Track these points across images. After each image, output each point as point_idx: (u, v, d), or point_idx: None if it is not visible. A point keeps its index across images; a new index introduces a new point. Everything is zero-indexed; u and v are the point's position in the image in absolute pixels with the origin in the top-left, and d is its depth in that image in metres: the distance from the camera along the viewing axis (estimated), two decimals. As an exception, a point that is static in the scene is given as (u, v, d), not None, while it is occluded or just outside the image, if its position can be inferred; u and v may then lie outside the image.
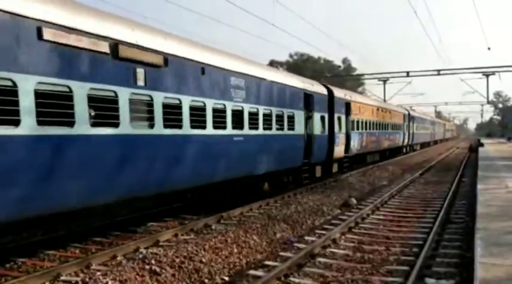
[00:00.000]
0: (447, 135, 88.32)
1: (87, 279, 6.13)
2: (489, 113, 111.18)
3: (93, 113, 7.08)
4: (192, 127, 9.36)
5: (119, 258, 7.52)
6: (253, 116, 11.92)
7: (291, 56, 73.79)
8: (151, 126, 8.29)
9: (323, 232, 9.77)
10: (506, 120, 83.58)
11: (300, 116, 14.97)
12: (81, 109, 6.76)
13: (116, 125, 7.43)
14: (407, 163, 29.05)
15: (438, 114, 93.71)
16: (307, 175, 16.15)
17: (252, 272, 7.09)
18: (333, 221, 10.91)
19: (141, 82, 7.97)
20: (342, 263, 7.56)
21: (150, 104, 8.25)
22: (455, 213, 11.61)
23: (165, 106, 8.56)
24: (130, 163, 7.75)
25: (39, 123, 6.10)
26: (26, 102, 5.93)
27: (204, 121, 9.79)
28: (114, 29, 7.55)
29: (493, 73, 38.34)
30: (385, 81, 42.88)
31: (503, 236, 7.05)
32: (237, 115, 11.10)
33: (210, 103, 9.98)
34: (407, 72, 39.40)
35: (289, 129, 14.18)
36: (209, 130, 9.94)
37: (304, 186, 15.95)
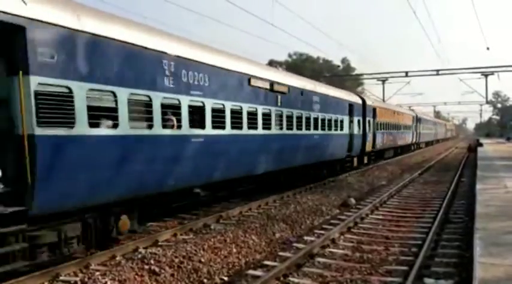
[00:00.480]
0: (447, 134, 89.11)
1: (86, 279, 6.14)
2: (488, 113, 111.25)
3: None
4: (314, 129, 16.19)
5: (118, 258, 7.51)
6: (324, 122, 17.27)
7: (290, 55, 73.79)
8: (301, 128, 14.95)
9: (322, 232, 9.77)
10: (505, 120, 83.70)
11: (346, 120, 20.17)
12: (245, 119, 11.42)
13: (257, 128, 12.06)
14: (406, 163, 29.07)
15: (437, 114, 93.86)
16: (348, 164, 21.64)
17: (251, 272, 7.08)
18: (332, 221, 10.92)
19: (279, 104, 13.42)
20: (341, 263, 7.56)
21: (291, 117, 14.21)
22: (454, 213, 11.63)
23: (298, 118, 14.69)
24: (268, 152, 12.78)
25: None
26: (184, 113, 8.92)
27: (315, 127, 16.35)
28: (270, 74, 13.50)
29: (492, 73, 38.37)
30: (384, 81, 42.91)
31: (502, 236, 7.06)
32: (319, 121, 16.78)
33: (314, 115, 16.30)
34: (406, 72, 39.43)
35: (340, 130, 19.33)
36: (316, 131, 16.43)
37: (347, 171, 21.36)
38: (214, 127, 9.97)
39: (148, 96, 7.98)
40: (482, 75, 39.16)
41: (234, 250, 8.10)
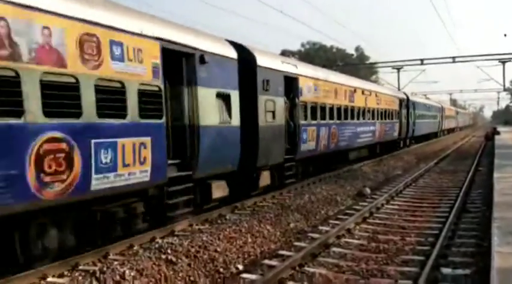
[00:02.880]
0: (466, 122, 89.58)
1: (104, 268, 6.23)
2: (505, 100, 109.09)
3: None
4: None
5: (135, 248, 7.62)
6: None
7: (303, 45, 73.32)
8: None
9: (337, 222, 9.75)
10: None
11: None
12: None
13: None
14: (422, 152, 28.80)
15: (453, 102, 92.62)
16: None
17: (266, 261, 7.12)
18: (347, 212, 10.90)
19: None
20: (356, 253, 7.56)
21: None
22: (472, 202, 11.51)
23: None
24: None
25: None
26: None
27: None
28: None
29: (510, 59, 37.61)
30: (399, 69, 42.40)
31: (521, 225, 6.97)
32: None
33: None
34: (422, 60, 38.86)
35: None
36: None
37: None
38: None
39: None
40: (499, 62, 38.43)
41: (249, 240, 8.15)
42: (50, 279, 6.15)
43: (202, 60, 9.21)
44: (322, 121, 15.56)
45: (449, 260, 6.97)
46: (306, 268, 6.74)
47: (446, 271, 6.50)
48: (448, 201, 11.89)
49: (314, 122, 14.84)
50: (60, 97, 6.15)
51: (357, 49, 72.83)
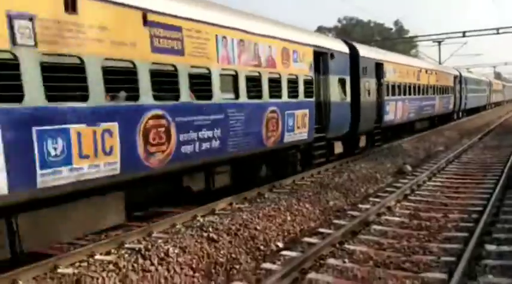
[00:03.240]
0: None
1: (149, 246, 6.44)
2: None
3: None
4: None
5: (178, 226, 7.83)
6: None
7: (339, 20, 71.83)
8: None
9: (377, 199, 9.67)
10: None
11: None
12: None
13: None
14: (465, 127, 27.92)
15: (497, 75, 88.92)
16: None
17: (306, 239, 7.18)
18: (388, 189, 10.77)
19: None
20: (397, 231, 7.49)
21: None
22: (517, 178, 11.13)
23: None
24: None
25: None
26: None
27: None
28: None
29: (558, 29, 35.63)
30: (439, 42, 40.98)
31: None
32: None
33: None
34: (464, 32, 37.40)
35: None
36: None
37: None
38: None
39: None
40: (546, 31, 36.46)
41: (289, 218, 8.20)
42: (97, 256, 6.42)
43: (332, 57, 12.86)
44: (398, 97, 19.06)
45: (494, 237, 6.81)
46: (346, 246, 6.75)
47: (491, 247, 6.36)
48: (492, 177, 11.54)
49: (393, 98, 18.35)
50: (275, 87, 10.23)
51: (396, 23, 70.89)
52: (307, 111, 11.56)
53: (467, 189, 10.47)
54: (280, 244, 7.07)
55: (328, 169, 13.43)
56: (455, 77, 31.06)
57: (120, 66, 6.59)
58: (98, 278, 5.44)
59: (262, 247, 6.87)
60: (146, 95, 6.89)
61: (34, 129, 5.37)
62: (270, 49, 10.02)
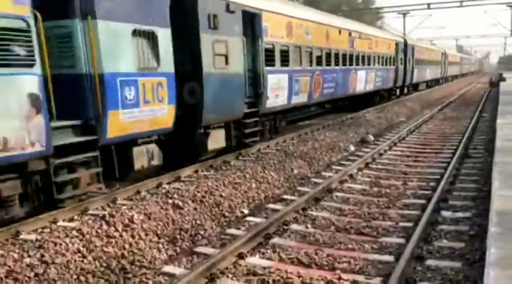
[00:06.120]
0: (471, 69, 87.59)
1: (114, 212, 6.39)
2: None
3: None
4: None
5: (142, 193, 7.79)
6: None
7: (307, -11, 70.96)
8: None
9: (340, 167, 9.89)
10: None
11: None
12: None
13: None
14: (426, 99, 28.62)
15: (460, 48, 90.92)
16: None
17: (270, 205, 7.30)
18: (350, 158, 11.02)
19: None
20: (359, 197, 7.72)
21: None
22: (474, 148, 11.59)
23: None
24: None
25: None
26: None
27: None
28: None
29: (519, 4, 36.62)
30: (405, 14, 41.39)
31: (522, 170, 7.03)
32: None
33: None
34: (428, 4, 37.86)
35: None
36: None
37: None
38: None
39: None
40: (507, 6, 37.47)
41: (254, 186, 8.29)
42: (60, 223, 6.33)
43: None
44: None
45: (450, 204, 7.12)
46: (309, 212, 6.92)
47: (446, 214, 6.66)
48: (451, 146, 11.98)
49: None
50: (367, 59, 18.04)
51: (363, -6, 70.50)
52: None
53: (426, 158, 10.84)
54: (245, 211, 7.17)
55: (293, 137, 13.56)
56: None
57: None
58: (61, 244, 5.37)
59: (227, 214, 6.95)
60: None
61: None
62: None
